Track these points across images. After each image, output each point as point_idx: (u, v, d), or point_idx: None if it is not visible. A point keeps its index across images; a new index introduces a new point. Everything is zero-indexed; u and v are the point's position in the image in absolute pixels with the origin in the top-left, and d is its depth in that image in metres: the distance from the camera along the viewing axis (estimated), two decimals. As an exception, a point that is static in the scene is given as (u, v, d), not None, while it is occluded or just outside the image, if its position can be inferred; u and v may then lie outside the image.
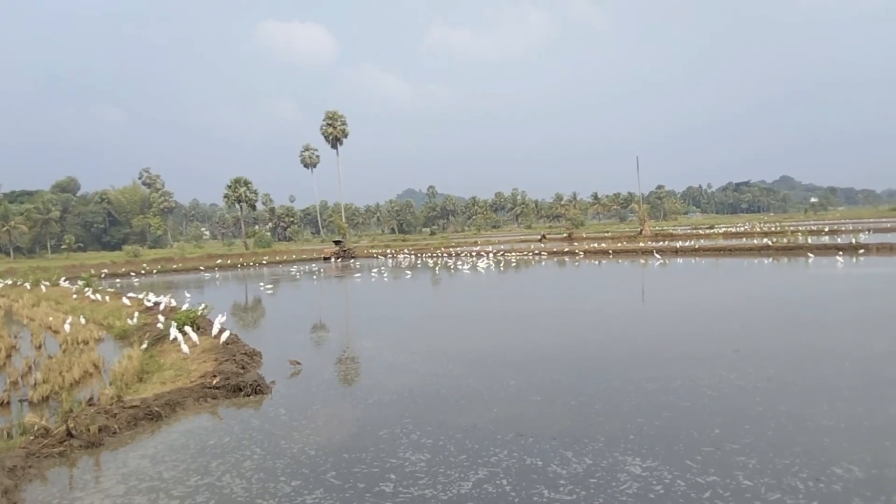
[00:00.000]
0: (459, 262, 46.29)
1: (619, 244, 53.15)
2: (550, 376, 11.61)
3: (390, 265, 50.27)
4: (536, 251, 51.13)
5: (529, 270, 40.20)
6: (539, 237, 76.22)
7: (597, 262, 41.05)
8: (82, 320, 21.33)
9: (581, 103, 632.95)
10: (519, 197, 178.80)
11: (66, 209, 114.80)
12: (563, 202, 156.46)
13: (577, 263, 41.44)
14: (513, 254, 51.42)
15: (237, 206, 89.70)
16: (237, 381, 11.61)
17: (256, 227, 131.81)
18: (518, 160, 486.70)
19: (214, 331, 16.14)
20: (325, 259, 60.97)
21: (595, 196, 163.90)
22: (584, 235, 74.97)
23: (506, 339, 15.82)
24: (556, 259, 46.02)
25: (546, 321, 18.28)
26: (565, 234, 78.13)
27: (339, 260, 60.18)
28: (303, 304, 28.06)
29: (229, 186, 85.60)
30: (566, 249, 51.16)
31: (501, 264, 43.33)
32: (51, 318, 22.88)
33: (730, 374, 11.12)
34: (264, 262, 62.85)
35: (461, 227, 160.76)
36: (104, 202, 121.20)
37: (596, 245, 50.91)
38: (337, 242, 66.69)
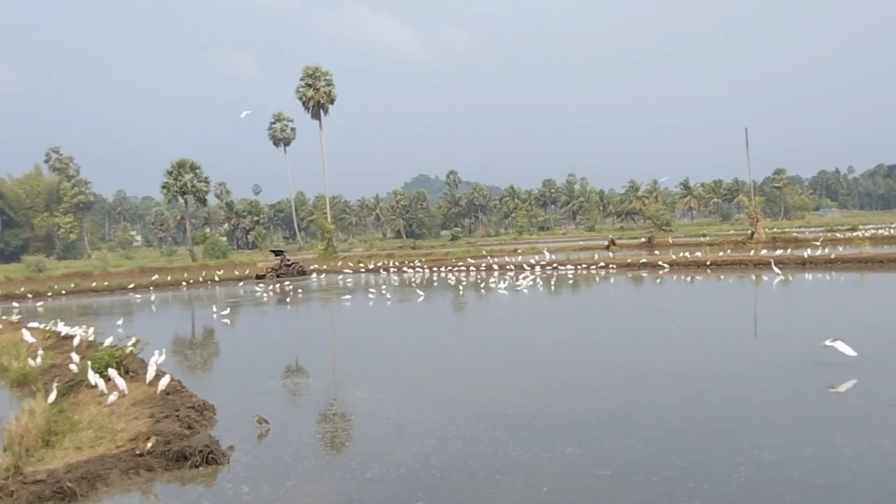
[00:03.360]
0: (493, 279, 46.29)
1: (721, 253, 52.76)
2: (624, 442, 11.53)
3: (393, 283, 50.37)
4: (602, 263, 50.90)
5: (592, 290, 40.00)
6: (606, 243, 75.88)
7: (688, 279, 40.77)
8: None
9: (660, 50, 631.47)
10: (577, 186, 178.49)
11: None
12: (639, 193, 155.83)
13: (659, 280, 41.18)
14: (569, 267, 51.27)
15: (180, 199, 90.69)
16: (181, 445, 11.67)
17: (208, 229, 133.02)
18: (573, 134, 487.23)
19: (150, 375, 16.25)
20: (259, 277, 61.07)
21: (685, 185, 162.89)
22: (671, 241, 74.53)
23: (559, 388, 15.76)
24: (630, 274, 45.80)
25: (615, 363, 18.18)
26: (644, 239, 77.77)
27: (279, 278, 60.16)
28: (273, 339, 28.24)
29: (170, 173, 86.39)
30: (644, 260, 50.92)
31: (552, 281, 43.23)
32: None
33: (882, 441, 10.95)
34: (218, 277, 63.52)
35: (495, 228, 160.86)
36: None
37: (688, 254, 50.53)
38: (277, 253, 66.96)
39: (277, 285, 50.34)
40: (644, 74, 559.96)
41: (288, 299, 41.04)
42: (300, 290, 47.17)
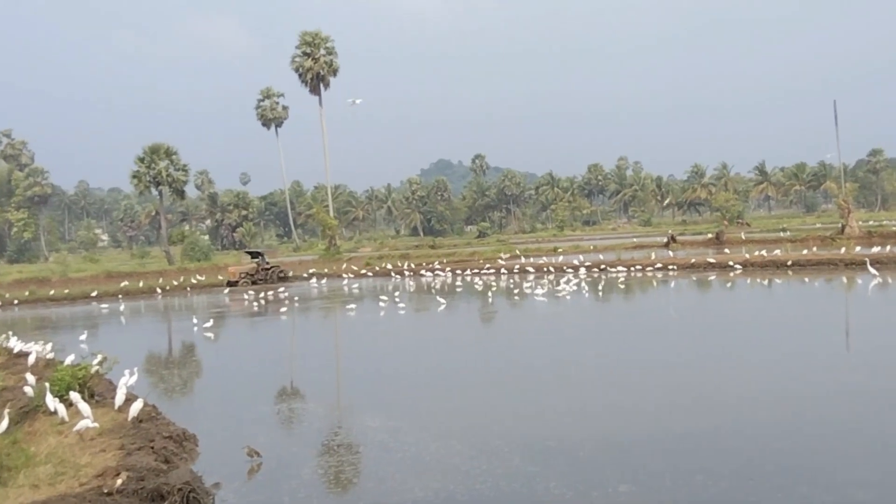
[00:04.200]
0: (528, 284, 46.23)
1: (805, 250, 52.38)
2: (688, 478, 11.48)
3: (408, 289, 50.42)
4: (660, 263, 50.69)
5: (648, 296, 39.87)
6: (665, 240, 75.54)
7: (765, 282, 40.54)
8: None
9: (728, 18, 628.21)
10: (629, 172, 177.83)
11: None
12: (704, 180, 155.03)
13: (730, 283, 40.96)
14: (620, 268, 51.12)
15: (154, 191, 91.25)
16: (157, 483, 11.72)
17: (186, 226, 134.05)
18: (624, 112, 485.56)
19: (119, 400, 16.36)
20: (230, 284, 61.02)
21: (760, 169, 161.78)
22: (744, 237, 74.06)
23: (609, 413, 15.75)
24: (694, 276, 45.60)
25: (677, 384, 18.13)
26: (711, 235, 77.33)
27: (255, 285, 60.17)
28: (265, 356, 28.36)
29: (141, 160, 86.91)
30: (712, 260, 50.65)
31: (600, 286, 43.13)
32: None
33: None
34: (197, 282, 64.03)
35: (530, 223, 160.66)
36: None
37: (764, 252, 50.12)
38: (254, 255, 66.73)
39: (270, 292, 50.44)
40: (709, 48, 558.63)
41: (283, 309, 41.20)
42: (297, 298, 47.34)
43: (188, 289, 62.24)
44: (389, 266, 68.36)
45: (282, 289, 52.15)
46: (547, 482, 11.62)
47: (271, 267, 63.79)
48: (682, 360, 21.05)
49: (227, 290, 57.74)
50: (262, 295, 49.17)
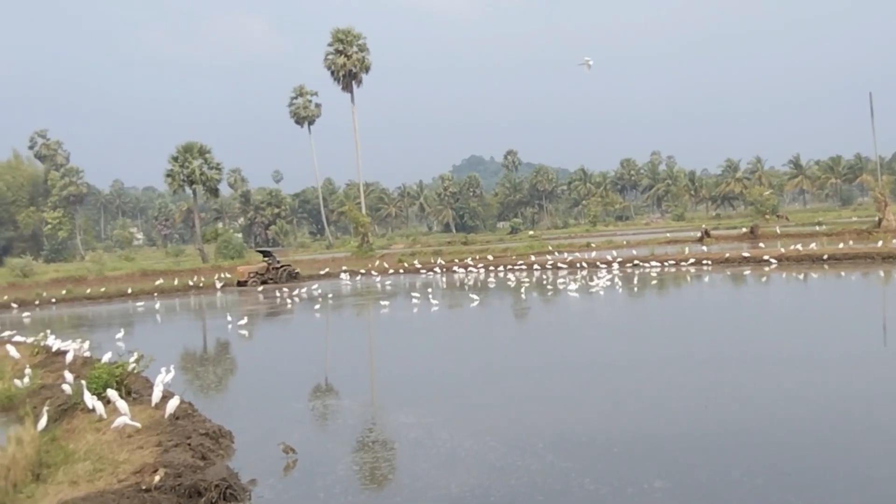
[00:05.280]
0: (561, 279, 46.12)
1: (841, 244, 51.88)
2: (724, 474, 11.44)
3: (441, 286, 50.43)
4: (694, 258, 50.40)
5: (682, 292, 39.65)
6: (699, 234, 75.07)
7: (800, 276, 40.23)
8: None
9: (762, 16, 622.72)
10: (662, 167, 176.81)
11: None
12: (738, 174, 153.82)
13: (765, 278, 40.67)
14: (653, 263, 50.88)
15: (188, 190, 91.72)
16: (194, 479, 11.81)
17: (220, 224, 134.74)
18: (657, 106, 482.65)
19: (156, 397, 16.51)
20: (240, 284, 61.25)
21: (795, 163, 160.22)
22: (779, 231, 73.41)
23: (643, 409, 15.71)
24: (728, 271, 45.32)
25: (712, 380, 18.04)
26: (745, 229, 76.74)
27: (266, 284, 60.26)
28: (299, 353, 28.49)
29: (175, 159, 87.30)
30: (746, 255, 50.27)
31: (634, 281, 42.97)
32: None
33: None
34: (225, 282, 64.12)
35: (563, 218, 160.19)
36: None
37: (800, 247, 49.75)
38: (265, 254, 66.61)
39: (304, 290, 50.55)
40: (743, 46, 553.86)
41: (316, 306, 41.33)
42: (330, 295, 47.49)
43: (217, 284, 62.39)
44: (418, 264, 68.33)
45: (315, 286, 52.27)
46: (582, 478, 11.62)
47: (281, 266, 63.28)
48: (716, 356, 20.92)
49: (240, 292, 57.80)
50: (295, 293, 49.29)
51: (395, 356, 25.68)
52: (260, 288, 58.09)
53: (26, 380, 21.03)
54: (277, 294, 50.39)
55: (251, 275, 61.50)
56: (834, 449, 12.40)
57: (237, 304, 47.96)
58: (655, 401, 16.34)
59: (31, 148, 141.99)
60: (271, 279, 61.34)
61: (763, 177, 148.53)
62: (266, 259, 64.18)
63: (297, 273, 63.63)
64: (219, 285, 60.83)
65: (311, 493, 11.94)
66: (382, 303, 40.63)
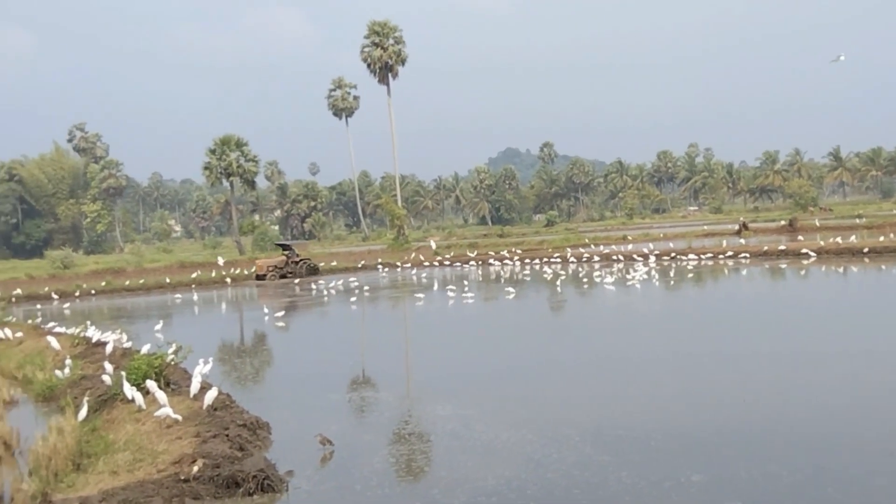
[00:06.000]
0: (598, 272, 45.96)
1: (882, 237, 51.26)
2: (763, 467, 11.36)
3: (476, 278, 50.42)
4: (732, 251, 50.04)
5: (719, 285, 39.39)
6: (737, 227, 74.53)
7: (840, 270, 39.82)
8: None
9: (802, 16, 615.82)
10: (700, 159, 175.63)
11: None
12: (777, 167, 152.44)
13: (804, 272, 40.29)
14: (690, 256, 50.56)
15: (225, 182, 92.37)
16: (232, 470, 11.90)
17: (257, 216, 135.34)
18: (695, 95, 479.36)
19: (194, 388, 16.62)
20: (259, 278, 61.15)
21: (835, 155, 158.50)
22: (818, 224, 72.75)
23: (681, 403, 15.65)
24: (767, 264, 44.96)
25: (750, 374, 17.91)
26: (784, 222, 76.14)
27: (284, 278, 60.20)
28: (336, 345, 28.58)
29: (212, 151, 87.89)
30: (784, 247, 49.87)
31: (671, 274, 42.74)
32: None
33: None
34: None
35: (599, 211, 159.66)
36: (13, 180, 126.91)
37: (839, 240, 49.24)
38: (284, 247, 66.52)
39: (340, 282, 50.66)
40: (784, 37, 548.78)
41: (353, 298, 41.47)
42: (367, 288, 47.63)
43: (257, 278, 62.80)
44: (447, 259, 68.34)
45: (353, 279, 52.41)
46: (619, 471, 11.58)
47: (300, 260, 63.12)
48: (754, 350, 20.76)
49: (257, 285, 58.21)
50: (331, 285, 49.46)
51: (431, 348, 25.76)
52: (279, 281, 58.34)
53: (67, 371, 21.27)
54: (313, 286, 50.53)
55: (270, 268, 61.32)
56: (875, 445, 12.25)
57: (273, 296, 48.19)
58: (693, 395, 16.26)
59: (69, 141, 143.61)
60: (290, 273, 61.23)
61: (802, 169, 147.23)
62: (285, 253, 64.11)
63: (317, 267, 63.57)
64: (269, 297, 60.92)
65: (347, 484, 11.98)
66: (417, 295, 40.72)
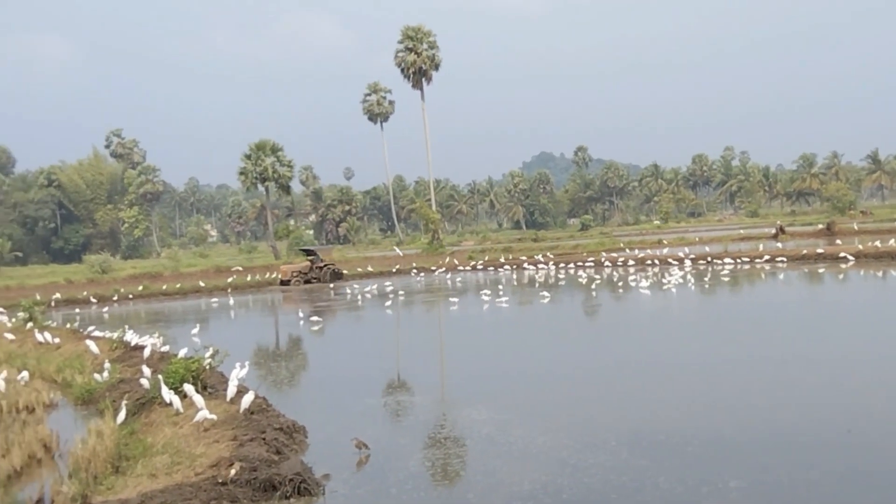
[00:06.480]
0: (633, 277, 45.77)
1: (922, 241, 50.69)
2: (802, 474, 11.27)
3: (511, 283, 50.37)
4: (769, 255, 49.67)
5: (756, 289, 39.11)
6: (773, 231, 73.96)
7: (879, 274, 39.39)
8: (24, 375, 22.66)
9: (840, 11, 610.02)
10: (736, 162, 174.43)
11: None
12: (814, 170, 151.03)
13: (842, 276, 39.90)
14: (727, 260, 50.23)
15: (260, 187, 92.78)
16: (269, 473, 11.97)
17: (292, 221, 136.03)
18: (730, 97, 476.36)
19: (231, 392, 16.73)
20: (283, 283, 61.10)
21: (874, 158, 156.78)
22: (856, 227, 72.05)
23: (719, 408, 15.54)
24: (805, 268, 44.59)
25: (790, 379, 17.78)
26: (822, 226, 75.45)
27: (307, 284, 60.16)
28: (371, 349, 28.61)
29: (248, 157, 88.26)
30: (822, 251, 49.43)
31: (706, 278, 42.47)
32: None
33: None
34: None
35: (634, 215, 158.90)
36: (52, 185, 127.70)
37: (878, 243, 48.76)
38: (308, 253, 66.38)
39: (375, 286, 50.76)
40: (821, 37, 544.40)
41: (387, 303, 41.56)
42: (401, 292, 47.72)
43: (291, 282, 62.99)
44: (480, 264, 68.28)
45: (388, 283, 52.50)
46: (656, 476, 11.53)
47: (324, 265, 62.69)
48: (793, 355, 20.59)
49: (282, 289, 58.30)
50: (367, 289, 49.59)
51: (466, 353, 25.74)
52: (303, 287, 58.40)
53: (105, 374, 21.51)
54: (348, 290, 50.66)
55: (294, 274, 61.38)
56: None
57: (308, 301, 48.39)
58: (730, 400, 16.14)
59: (107, 147, 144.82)
60: (315, 278, 61.12)
61: (840, 172, 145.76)
62: (310, 258, 63.92)
63: (342, 272, 63.37)
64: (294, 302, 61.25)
65: (383, 488, 12.01)
66: (452, 299, 40.74)
